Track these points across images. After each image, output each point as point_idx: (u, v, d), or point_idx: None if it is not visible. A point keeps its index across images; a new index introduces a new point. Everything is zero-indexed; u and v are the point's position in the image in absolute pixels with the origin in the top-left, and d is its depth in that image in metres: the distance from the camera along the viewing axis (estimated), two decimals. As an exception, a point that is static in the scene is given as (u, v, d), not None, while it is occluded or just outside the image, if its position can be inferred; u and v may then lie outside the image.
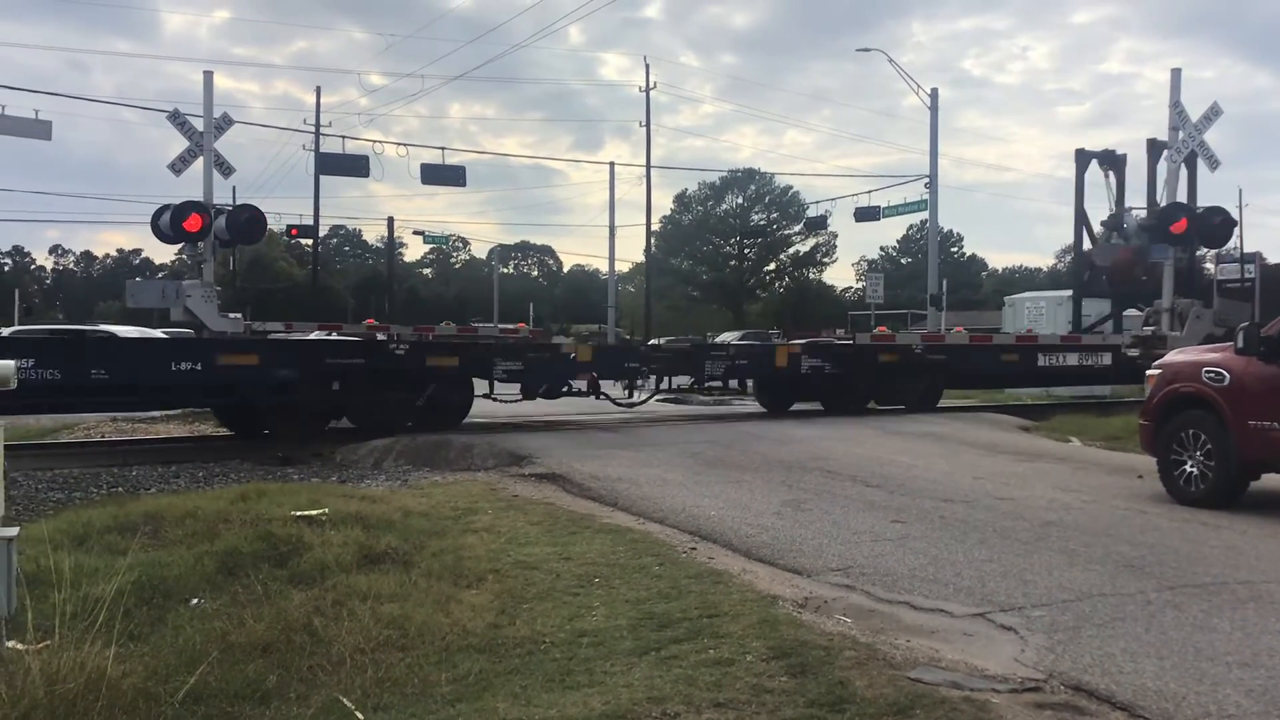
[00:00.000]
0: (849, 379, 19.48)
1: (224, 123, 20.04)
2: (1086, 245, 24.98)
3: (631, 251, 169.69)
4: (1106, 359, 21.57)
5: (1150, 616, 5.74)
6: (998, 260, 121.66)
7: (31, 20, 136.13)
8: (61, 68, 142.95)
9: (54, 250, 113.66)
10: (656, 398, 19.63)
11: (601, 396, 17.84)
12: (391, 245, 67.72)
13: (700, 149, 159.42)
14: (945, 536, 7.97)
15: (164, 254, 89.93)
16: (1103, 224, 23.87)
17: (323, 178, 41.31)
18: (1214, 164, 21.22)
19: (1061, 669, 4.87)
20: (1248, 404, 9.20)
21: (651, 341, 25.56)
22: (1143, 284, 22.22)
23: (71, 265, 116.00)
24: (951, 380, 21.35)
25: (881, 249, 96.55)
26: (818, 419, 18.27)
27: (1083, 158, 24.72)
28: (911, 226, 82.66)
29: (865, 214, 37.75)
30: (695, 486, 10.46)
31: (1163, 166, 21.28)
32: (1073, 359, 21.52)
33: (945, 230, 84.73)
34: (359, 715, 4.35)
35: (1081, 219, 25.14)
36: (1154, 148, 21.97)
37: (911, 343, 20.85)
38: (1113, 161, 24.27)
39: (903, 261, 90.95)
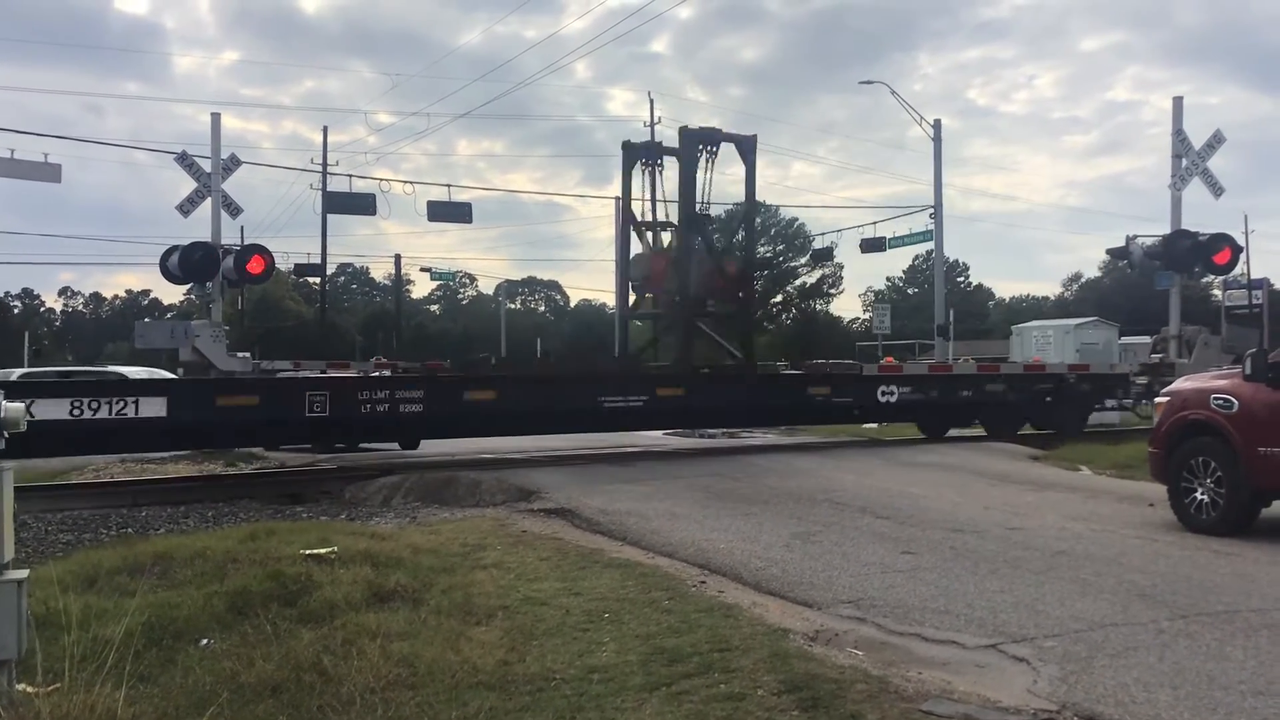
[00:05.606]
0: None
1: (231, 164, 20.21)
2: None
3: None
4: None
5: (1163, 645, 5.71)
6: (1005, 289, 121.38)
7: (47, 65, 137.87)
8: (77, 111, 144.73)
9: (63, 292, 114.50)
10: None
11: None
12: (399, 282, 68.14)
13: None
14: (956, 567, 7.94)
15: (173, 294, 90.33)
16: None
17: (331, 216, 41.56)
18: (1218, 191, 21.33)
19: (1075, 700, 4.84)
20: (1257, 430, 9.18)
21: None
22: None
23: (80, 307, 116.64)
24: None
25: (888, 280, 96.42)
26: (824, 450, 18.23)
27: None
28: (918, 257, 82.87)
29: (871, 245, 37.78)
30: (704, 520, 10.43)
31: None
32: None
33: (951, 260, 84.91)
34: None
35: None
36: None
37: None
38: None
39: (909, 292, 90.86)
